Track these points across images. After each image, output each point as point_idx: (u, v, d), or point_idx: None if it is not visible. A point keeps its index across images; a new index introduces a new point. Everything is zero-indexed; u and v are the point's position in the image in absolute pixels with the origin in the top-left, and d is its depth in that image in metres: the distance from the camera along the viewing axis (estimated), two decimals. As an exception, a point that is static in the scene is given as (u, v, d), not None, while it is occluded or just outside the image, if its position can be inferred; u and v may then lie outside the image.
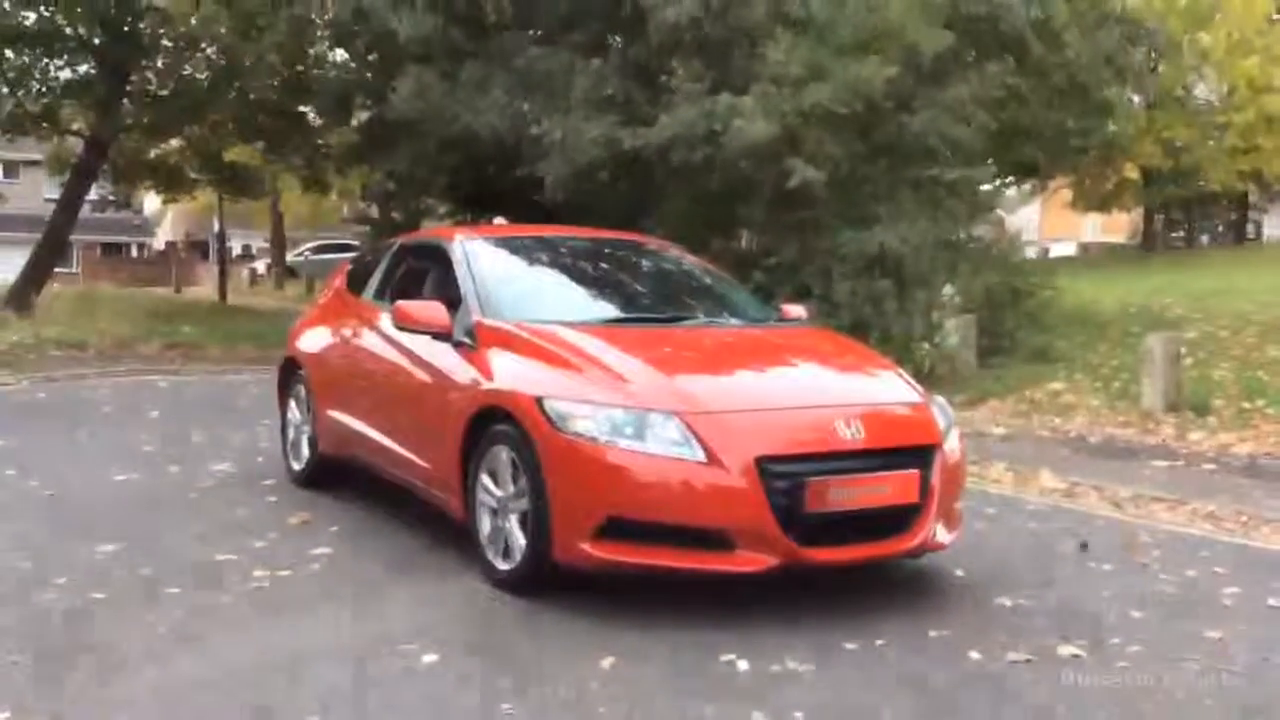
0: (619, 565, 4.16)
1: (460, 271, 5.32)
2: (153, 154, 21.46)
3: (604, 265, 5.94)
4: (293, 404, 6.77)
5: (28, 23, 16.96)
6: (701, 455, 4.08)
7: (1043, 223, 56.86)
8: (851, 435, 4.25)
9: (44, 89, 17.89)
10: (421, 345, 5.22)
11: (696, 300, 5.75)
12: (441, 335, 5.05)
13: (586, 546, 4.15)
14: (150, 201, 43.98)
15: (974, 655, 3.91)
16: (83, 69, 18.21)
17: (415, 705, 3.44)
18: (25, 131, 17.58)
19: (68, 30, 17.55)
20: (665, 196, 13.29)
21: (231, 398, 10.79)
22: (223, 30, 15.93)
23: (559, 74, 13.45)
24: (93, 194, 22.76)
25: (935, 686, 3.63)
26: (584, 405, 4.23)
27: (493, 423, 4.56)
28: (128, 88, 18.80)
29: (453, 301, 5.21)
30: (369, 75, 16.04)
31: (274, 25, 15.61)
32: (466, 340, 4.94)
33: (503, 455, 4.50)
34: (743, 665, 3.74)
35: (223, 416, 9.56)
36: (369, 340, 5.82)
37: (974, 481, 7.52)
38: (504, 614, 4.32)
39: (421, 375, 5.22)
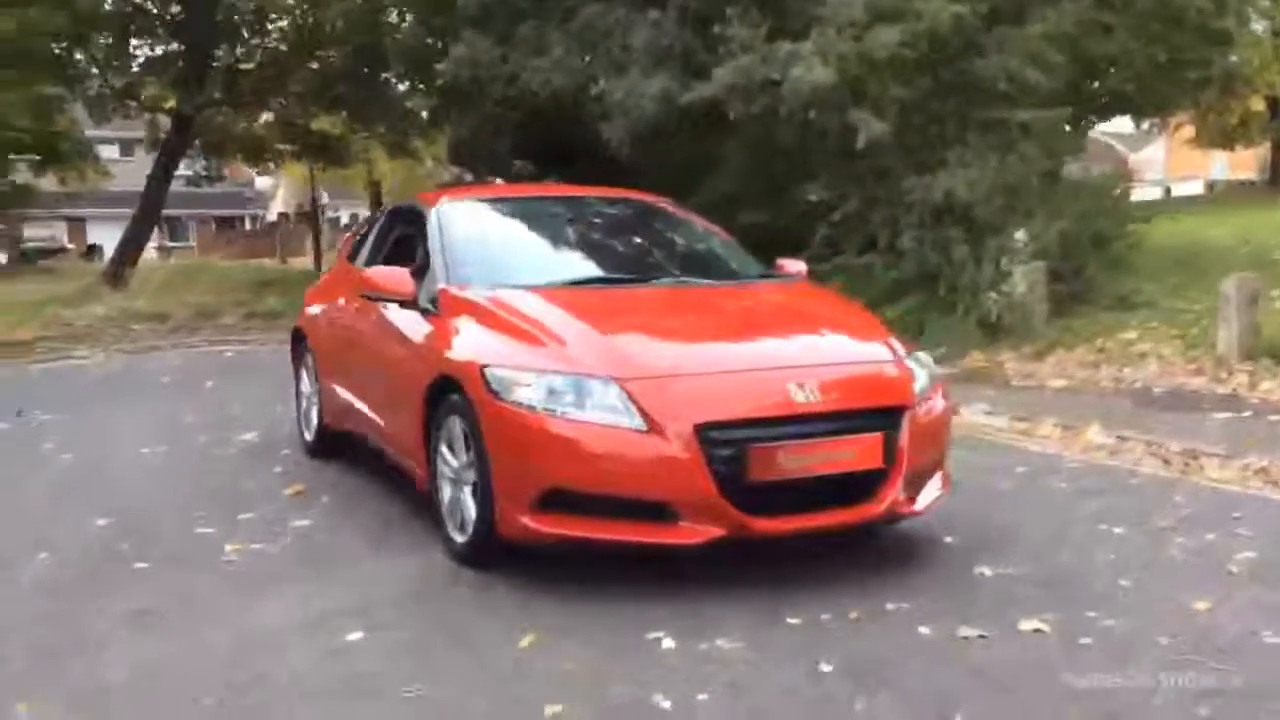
0: (560, 538, 4.01)
1: (432, 236, 5.20)
2: (241, 127, 21.85)
3: (588, 225, 5.74)
4: (303, 373, 6.77)
5: (108, 5, 17.37)
6: (640, 423, 3.89)
7: (1168, 161, 54.52)
8: (805, 398, 4.01)
9: (127, 67, 18.32)
10: (395, 313, 5.13)
11: (680, 258, 5.53)
12: (408, 303, 4.94)
13: (526, 520, 4.01)
14: (264, 176, 45.17)
15: (923, 630, 3.67)
16: (164, 48, 18.60)
17: (323, 686, 3.36)
18: (111, 112, 18.05)
19: (149, 8, 17.93)
20: (726, 151, 12.96)
21: (289, 366, 10.90)
22: (291, 1, 16.06)
23: (616, 30, 13.19)
24: (189, 170, 23.37)
25: (865, 664, 3.40)
26: (524, 373, 4.07)
27: (449, 392, 4.43)
28: (212, 63, 19.16)
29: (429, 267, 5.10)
30: (432, 40, 15.99)
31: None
32: (431, 307, 4.83)
33: (456, 426, 4.38)
34: (669, 643, 3.56)
35: (272, 385, 9.63)
36: (355, 310, 5.76)
37: (1017, 439, 7.22)
38: (453, 588, 4.22)
39: (393, 344, 5.13)
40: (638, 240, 5.68)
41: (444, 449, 4.50)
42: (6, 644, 3.76)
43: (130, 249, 19.49)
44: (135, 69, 19.12)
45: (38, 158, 24.94)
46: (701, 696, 3.18)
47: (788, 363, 4.19)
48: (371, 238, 6.23)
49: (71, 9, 15.50)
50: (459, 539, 4.40)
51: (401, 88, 20.25)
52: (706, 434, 3.85)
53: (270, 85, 19.66)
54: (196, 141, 20.73)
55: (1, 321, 14.49)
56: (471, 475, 4.27)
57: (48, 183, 25.48)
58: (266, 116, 21.98)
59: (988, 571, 4.29)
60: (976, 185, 11.23)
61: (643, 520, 3.92)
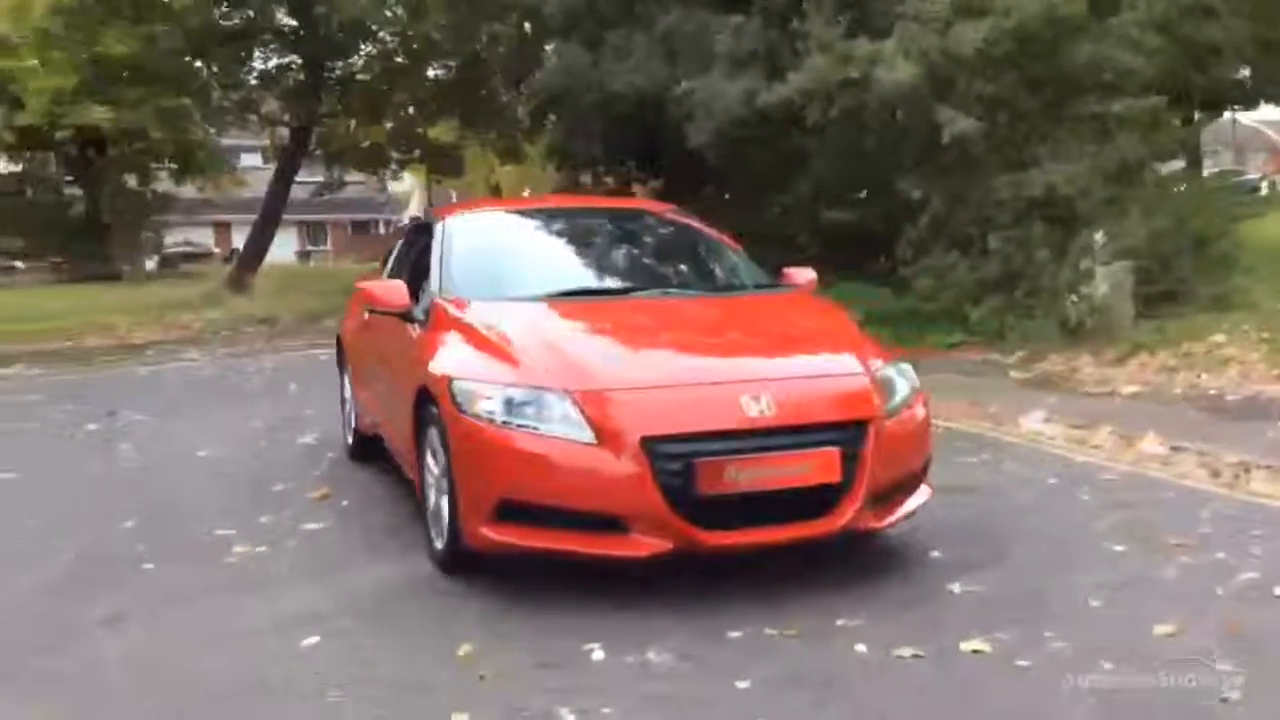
0: (517, 549, 4.09)
1: (434, 249, 5.34)
2: (358, 137, 22.60)
3: (591, 237, 5.76)
4: (345, 379, 7.00)
5: (230, 23, 18.15)
6: (590, 435, 3.94)
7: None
8: (759, 411, 3.99)
9: (245, 81, 19.12)
10: (397, 325, 5.27)
11: (676, 269, 5.53)
12: (405, 315, 5.08)
13: (486, 530, 4.10)
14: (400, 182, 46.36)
15: (860, 648, 3.62)
16: (276, 61, 19.33)
17: (253, 687, 3.50)
18: (228, 124, 18.87)
19: (262, 23, 18.67)
20: (809, 154, 12.85)
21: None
22: (389, 15, 16.54)
23: (701, 34, 13.23)
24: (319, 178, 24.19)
25: (785, 681, 3.39)
26: (486, 385, 4.17)
27: (429, 403, 4.55)
28: (327, 76, 19.85)
29: None
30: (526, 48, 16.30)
31: (436, 6, 16.06)
32: (423, 319, 4.96)
33: (434, 436, 4.49)
34: (599, 655, 3.61)
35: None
36: (373, 320, 5.93)
37: (1067, 448, 7.01)
38: (424, 595, 4.31)
39: (393, 354, 5.30)
40: (637, 251, 5.71)
41: (429, 457, 4.61)
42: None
43: (252, 254, 20.32)
44: (254, 82, 19.94)
45: (174, 167, 26.31)
46: (606, 710, 3.21)
47: (746, 376, 4.18)
48: (396, 250, 6.41)
49: (184, 26, 16.28)
50: (439, 545, 4.52)
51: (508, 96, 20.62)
52: (653, 447, 3.88)
53: (383, 96, 20.26)
54: (318, 151, 21.49)
55: (123, 324, 15.27)
56: (444, 484, 4.38)
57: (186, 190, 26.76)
58: (387, 125, 22.67)
59: (958, 589, 4.20)
60: (1075, 179, 10.85)
61: (595, 532, 3.96)
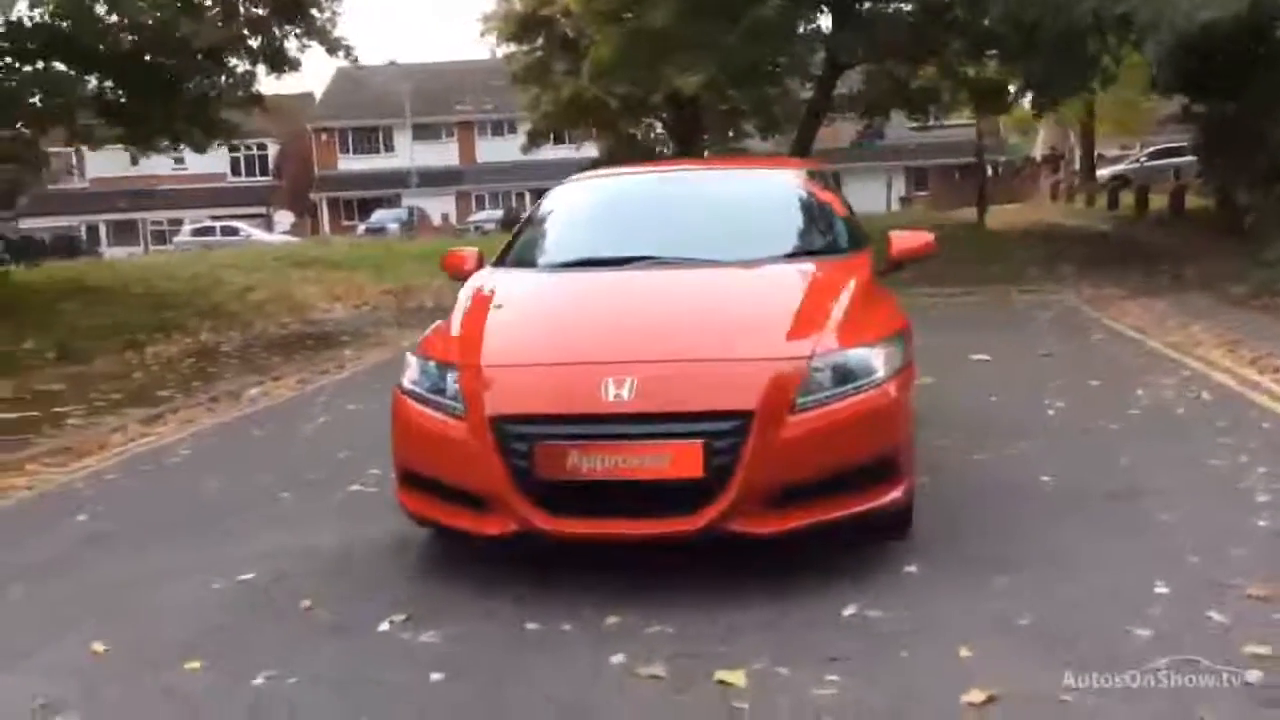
0: (417, 516, 4.21)
1: (528, 214, 5.50)
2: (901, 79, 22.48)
3: (657, 203, 5.43)
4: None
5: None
6: (461, 410, 3.95)
7: None
8: (616, 396, 3.71)
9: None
10: None
11: (717, 237, 4.91)
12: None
13: (399, 496, 4.28)
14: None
15: (615, 659, 3.34)
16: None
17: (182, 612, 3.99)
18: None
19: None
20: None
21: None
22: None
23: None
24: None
25: (490, 674, 3.32)
26: (413, 356, 4.32)
27: None
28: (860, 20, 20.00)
29: None
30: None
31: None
32: (475, 285, 5.12)
33: None
34: (384, 627, 3.71)
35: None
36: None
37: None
38: (399, 559, 4.44)
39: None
40: (692, 218, 5.15)
41: None
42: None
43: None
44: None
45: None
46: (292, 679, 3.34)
47: (619, 357, 3.85)
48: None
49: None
50: None
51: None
52: (502, 426, 3.79)
53: (918, 39, 19.90)
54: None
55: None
56: None
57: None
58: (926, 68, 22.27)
59: (851, 611, 3.61)
60: None
61: (467, 508, 3.95)
